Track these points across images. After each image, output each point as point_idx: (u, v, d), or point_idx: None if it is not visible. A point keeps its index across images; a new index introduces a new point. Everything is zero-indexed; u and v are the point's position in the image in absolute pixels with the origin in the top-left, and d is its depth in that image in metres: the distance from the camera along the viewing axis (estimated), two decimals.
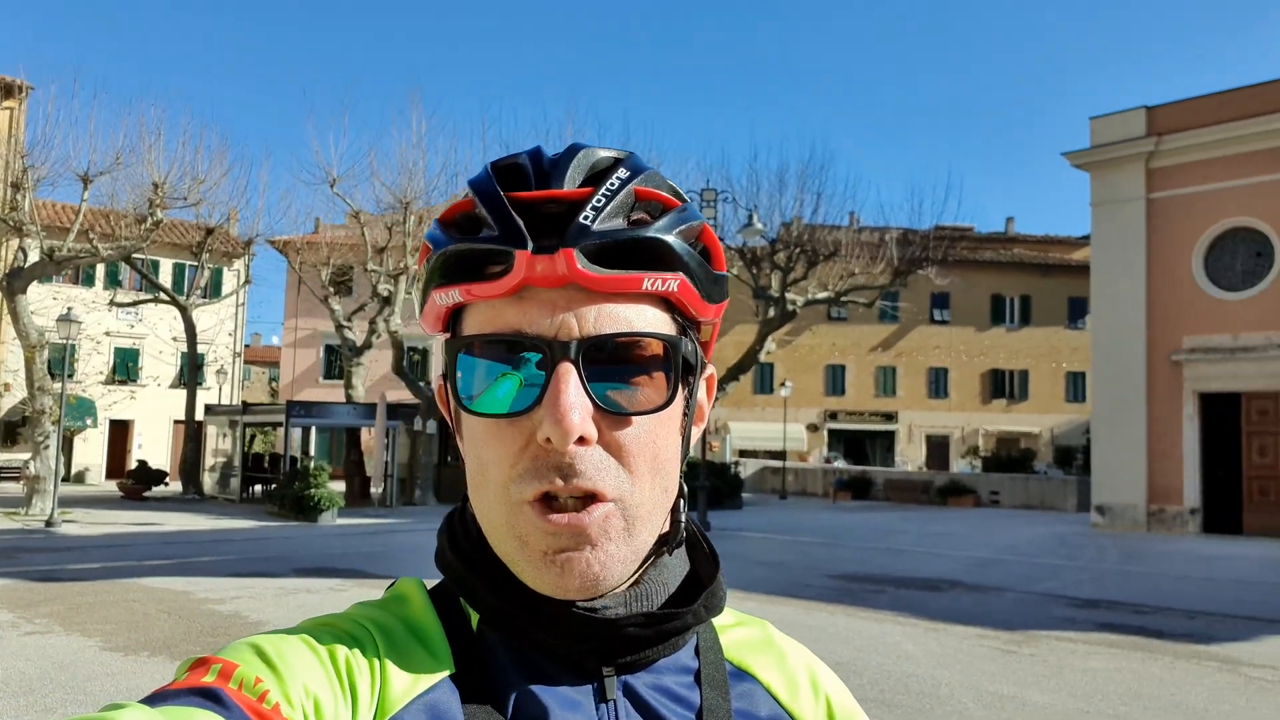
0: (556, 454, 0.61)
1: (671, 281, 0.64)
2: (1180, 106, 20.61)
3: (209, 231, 26.76)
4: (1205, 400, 19.87)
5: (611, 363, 0.63)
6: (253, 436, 30.80)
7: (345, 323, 25.54)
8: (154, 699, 0.54)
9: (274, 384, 49.57)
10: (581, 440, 0.61)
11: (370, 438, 26.43)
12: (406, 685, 0.63)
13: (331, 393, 31.61)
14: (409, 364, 25.81)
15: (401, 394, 27.10)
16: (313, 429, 28.44)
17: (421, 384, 24.42)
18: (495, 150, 25.90)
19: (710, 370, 0.73)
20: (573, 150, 0.67)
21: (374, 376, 30.52)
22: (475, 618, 0.69)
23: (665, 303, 0.66)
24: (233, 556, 13.35)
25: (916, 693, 6.48)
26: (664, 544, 0.70)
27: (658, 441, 0.65)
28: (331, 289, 26.83)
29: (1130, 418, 20.56)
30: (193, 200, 24.17)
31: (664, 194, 0.66)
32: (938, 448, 43.13)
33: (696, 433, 0.72)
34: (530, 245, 0.62)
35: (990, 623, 9.17)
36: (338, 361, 32.06)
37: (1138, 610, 10.13)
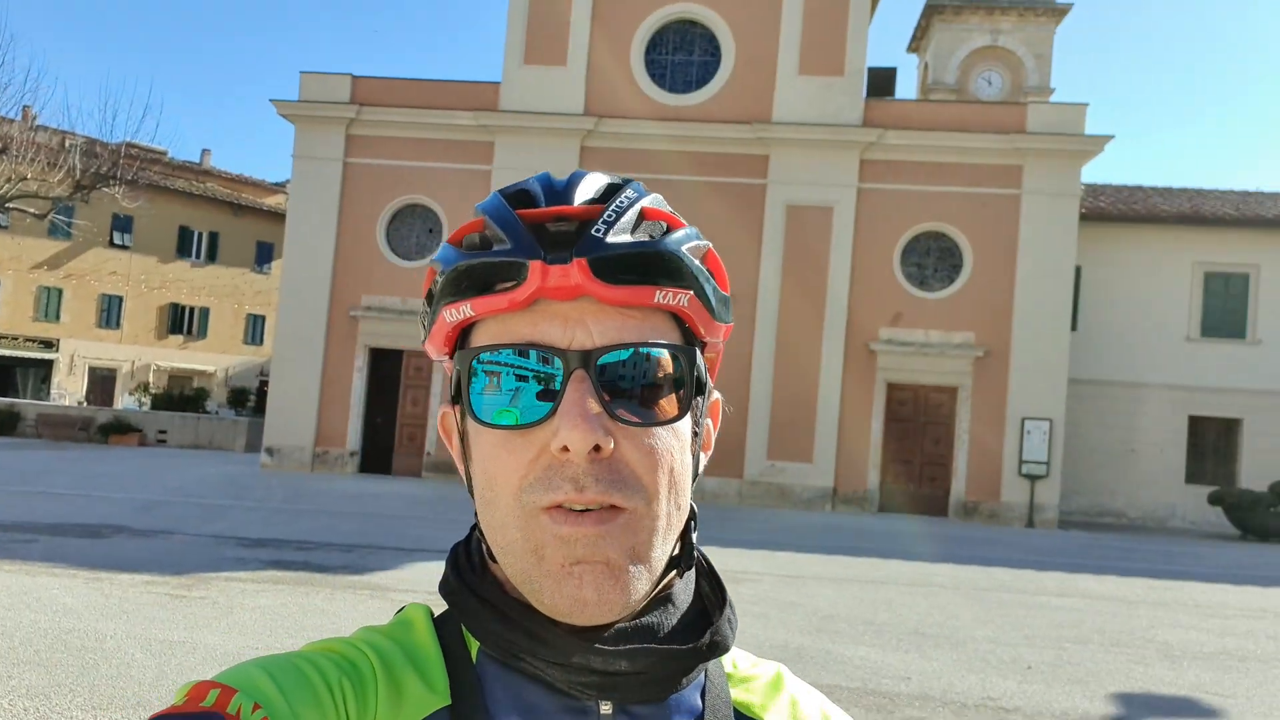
0: (571, 464, 0.61)
1: (682, 297, 0.65)
2: (382, 83, 22.34)
3: None
4: (375, 354, 22.01)
5: (625, 375, 0.63)
6: None
7: None
8: None
9: None
10: (597, 450, 0.61)
11: None
12: (400, 716, 0.63)
13: None
14: None
15: None
16: None
17: None
18: None
19: (716, 396, 0.73)
20: (580, 174, 0.69)
21: None
22: (475, 649, 0.68)
23: (675, 319, 0.67)
24: None
25: (78, 649, 5.94)
26: (674, 567, 0.69)
27: (671, 457, 0.64)
28: None
29: (308, 364, 21.69)
30: None
31: (671, 214, 0.68)
32: (103, 382, 39.77)
33: (704, 459, 0.72)
34: (544, 256, 0.62)
35: (158, 568, 8.84)
36: None
37: (302, 547, 10.78)
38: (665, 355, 0.64)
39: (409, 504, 16.32)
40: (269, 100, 22.50)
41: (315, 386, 21.67)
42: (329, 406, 21.69)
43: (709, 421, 0.72)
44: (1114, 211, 23.08)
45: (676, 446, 0.65)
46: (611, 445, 0.61)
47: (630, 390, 0.63)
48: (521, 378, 0.63)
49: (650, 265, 0.64)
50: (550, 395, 0.62)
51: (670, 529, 0.65)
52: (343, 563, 9.88)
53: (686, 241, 0.67)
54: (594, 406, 0.61)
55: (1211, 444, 23.18)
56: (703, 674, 0.69)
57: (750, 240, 21.23)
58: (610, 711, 0.64)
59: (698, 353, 0.67)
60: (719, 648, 0.67)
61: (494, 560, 0.68)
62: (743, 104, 21.47)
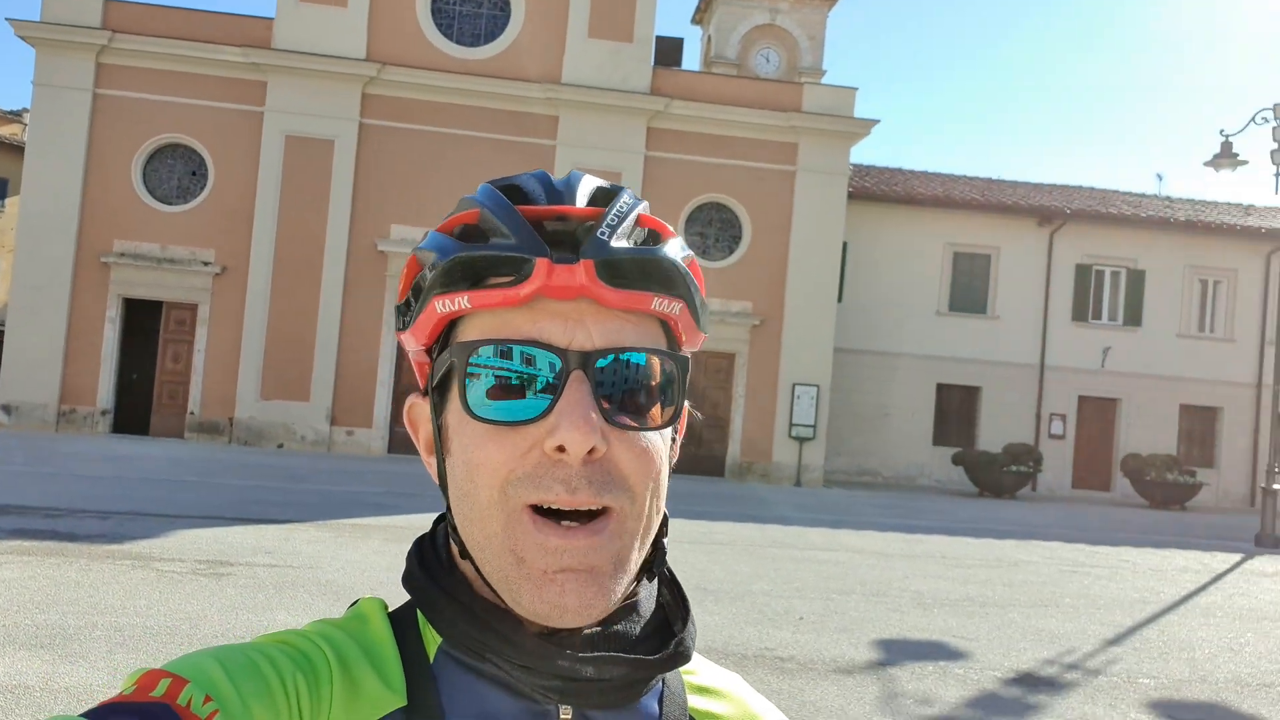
0: (564, 465, 0.61)
1: (675, 305, 0.66)
2: (141, 8, 20.37)
3: None
4: (129, 305, 20.26)
5: (620, 378, 0.63)
6: None
7: None
8: (98, 713, 0.54)
9: None
10: (590, 452, 0.60)
11: None
12: (354, 713, 0.62)
13: None
14: None
15: None
16: None
17: None
18: None
19: (686, 404, 0.71)
20: (578, 175, 0.69)
21: None
22: (434, 647, 0.67)
23: (663, 327, 0.67)
24: None
25: None
26: (645, 571, 0.69)
27: (652, 464, 0.64)
28: None
29: (50, 314, 19.69)
30: None
31: (661, 223, 0.68)
32: None
33: (671, 464, 0.71)
34: (551, 255, 0.62)
35: None
36: None
37: (50, 514, 9.83)
38: (660, 361, 0.64)
39: (171, 467, 15.22)
40: (4, 18, 20.05)
41: (60, 338, 19.72)
42: (76, 360, 19.81)
43: (679, 429, 0.72)
44: (877, 192, 24.68)
45: (660, 453, 0.65)
46: (605, 448, 0.61)
47: (624, 394, 0.63)
48: (520, 374, 0.62)
49: (649, 272, 0.64)
50: (547, 393, 0.61)
51: (649, 533, 0.66)
52: (98, 531, 9.10)
53: (680, 251, 0.67)
54: (592, 407, 0.60)
55: (955, 409, 25.46)
56: (661, 681, 0.70)
57: None
58: (570, 717, 0.65)
59: (689, 361, 0.67)
60: (682, 657, 0.68)
61: (464, 557, 0.66)
62: (532, 63, 21.24)
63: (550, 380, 0.61)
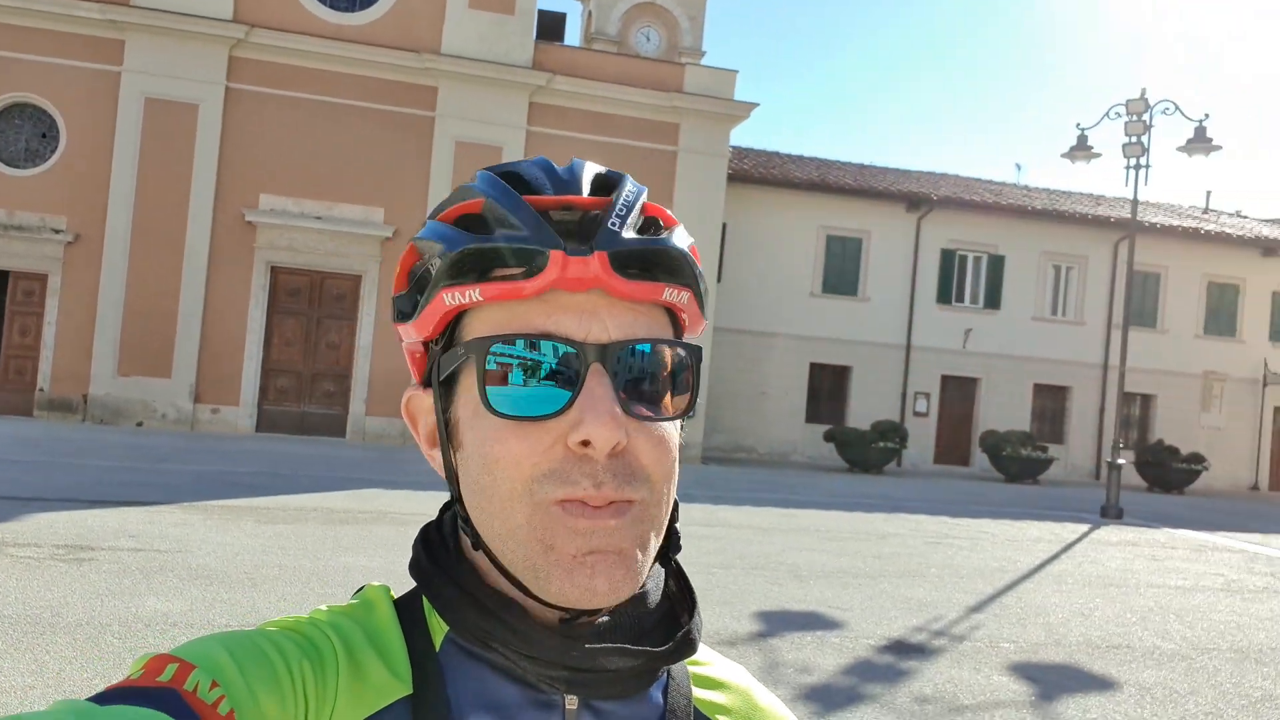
0: (590, 461, 0.60)
1: (683, 294, 0.66)
2: None
3: None
4: None
5: (638, 370, 0.62)
6: None
7: None
8: (105, 697, 0.54)
9: None
10: (615, 446, 0.60)
11: None
12: (360, 701, 0.62)
13: None
14: None
15: None
16: None
17: None
18: None
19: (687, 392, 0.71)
20: (580, 163, 0.68)
21: None
22: (439, 635, 0.67)
23: (669, 316, 0.67)
24: None
25: None
26: (660, 558, 0.69)
27: (671, 453, 0.64)
28: None
29: None
30: None
31: (666, 211, 0.67)
32: None
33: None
34: (565, 247, 0.61)
35: None
36: None
37: None
38: (672, 351, 0.64)
39: (20, 446, 14.31)
40: None
41: None
42: None
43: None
44: (755, 175, 25.12)
45: (674, 441, 0.65)
46: (626, 441, 0.61)
47: (641, 385, 0.62)
48: (538, 368, 0.61)
49: (659, 262, 0.64)
50: (567, 388, 0.61)
51: (666, 520, 0.66)
52: None
53: (685, 239, 0.67)
54: (614, 401, 0.60)
55: (827, 388, 26.26)
56: (666, 671, 0.70)
57: (419, 174, 20.71)
58: (575, 706, 0.65)
59: (701, 349, 0.67)
60: (689, 648, 0.68)
61: (477, 548, 0.66)
62: (411, 32, 20.72)
63: (569, 374, 0.61)
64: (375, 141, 20.50)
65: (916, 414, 26.25)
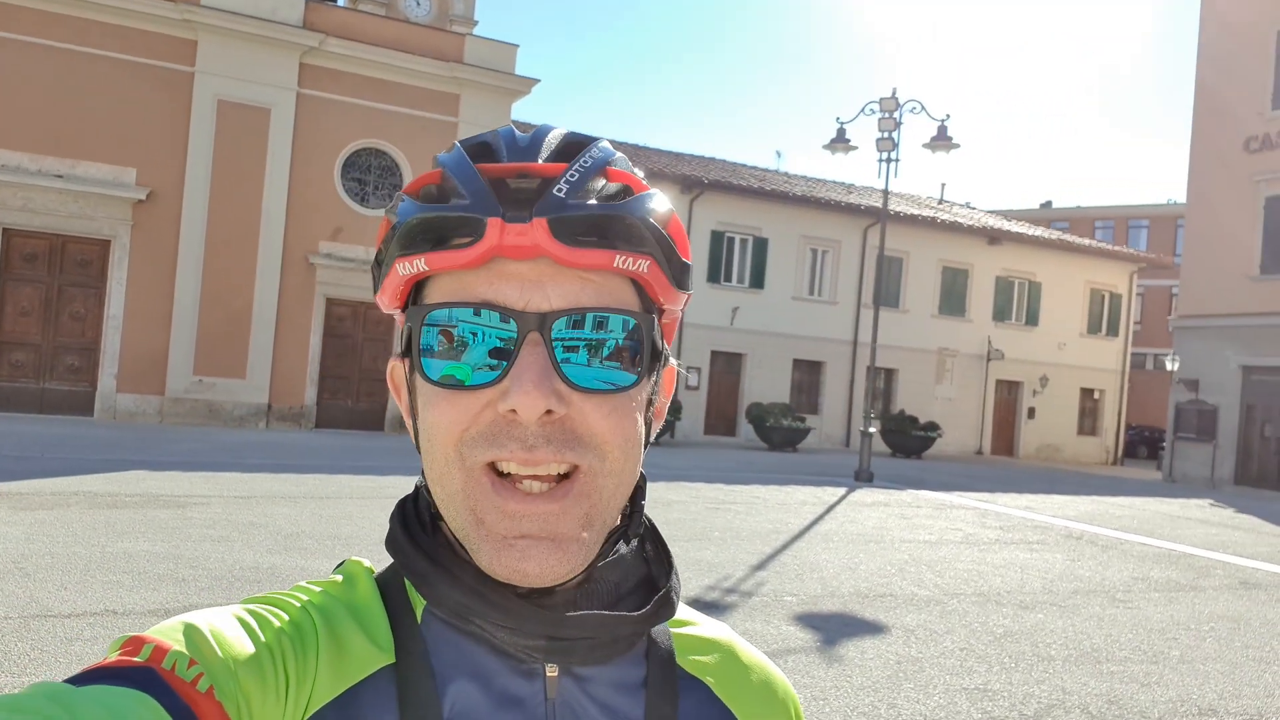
0: (518, 425, 0.59)
1: (642, 262, 0.63)
2: None
3: None
4: None
5: (580, 338, 0.61)
6: None
7: None
8: (81, 678, 0.52)
9: None
10: (548, 414, 0.59)
11: None
12: (342, 673, 0.61)
13: None
14: None
15: None
16: None
17: None
18: None
19: (672, 363, 0.71)
20: (544, 129, 0.66)
21: None
22: (420, 607, 0.66)
23: (633, 285, 0.65)
24: None
25: None
26: (620, 535, 0.68)
27: (623, 423, 0.63)
28: None
29: None
30: None
31: (634, 176, 0.66)
32: None
33: (656, 426, 0.70)
34: (503, 214, 0.60)
35: None
36: None
37: None
38: (625, 321, 0.63)
39: None
40: None
41: None
42: None
43: (662, 389, 0.70)
44: None
45: (628, 413, 0.64)
46: (564, 410, 0.60)
47: (585, 354, 0.61)
48: (474, 337, 0.61)
49: (611, 228, 0.62)
50: (503, 356, 0.60)
51: (620, 493, 0.65)
52: None
53: (649, 206, 0.64)
54: (547, 369, 0.60)
55: None
56: (646, 637, 0.70)
57: (176, 131, 19.28)
58: (556, 674, 0.65)
59: (655, 320, 0.65)
60: (666, 612, 0.68)
61: (438, 519, 0.67)
62: None
63: (506, 343, 0.60)
64: (128, 96, 18.88)
65: (689, 388, 27.39)
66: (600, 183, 0.63)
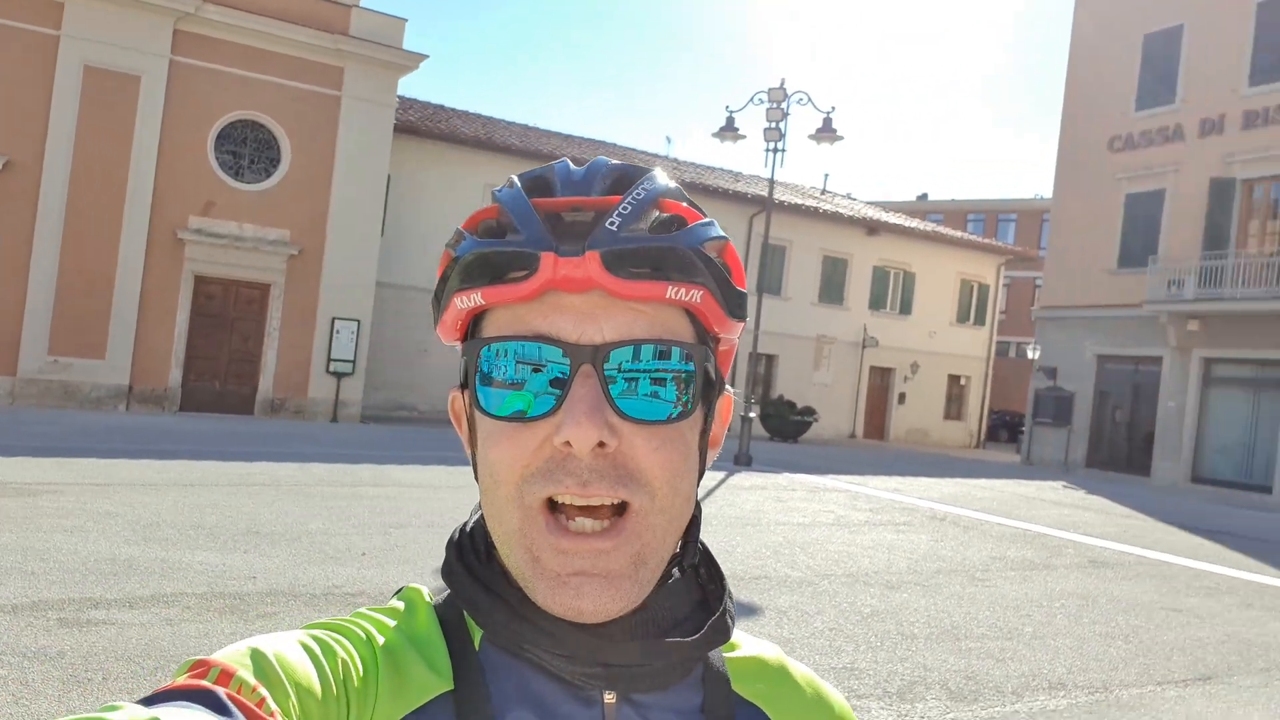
0: (574, 459, 0.60)
1: (695, 293, 0.64)
2: None
3: None
4: None
5: (634, 370, 0.62)
6: None
7: None
8: (151, 700, 0.53)
9: None
10: (601, 446, 0.60)
11: None
12: (402, 699, 0.62)
13: None
14: None
15: None
16: None
17: None
18: None
19: (728, 391, 0.72)
20: (600, 163, 0.67)
21: None
22: (478, 636, 0.67)
23: (687, 315, 0.66)
24: None
25: None
26: (674, 564, 0.69)
27: (671, 458, 0.63)
28: None
29: None
30: None
31: (689, 207, 0.67)
32: None
33: (713, 455, 0.71)
34: (557, 248, 0.61)
35: None
36: None
37: None
38: (676, 351, 0.63)
39: None
40: None
41: None
42: None
43: (718, 418, 0.71)
44: (422, 127, 24.63)
45: (682, 444, 0.64)
46: (616, 442, 0.61)
47: (640, 387, 0.62)
48: (529, 370, 0.62)
49: (664, 260, 0.63)
50: (557, 389, 0.61)
51: (675, 526, 0.65)
52: None
53: (702, 236, 0.65)
54: (600, 401, 0.60)
55: None
56: (702, 663, 0.70)
57: (38, 97, 18.14)
58: (614, 700, 0.65)
59: (710, 350, 0.66)
60: (721, 636, 0.69)
61: (497, 550, 0.68)
62: None
63: (559, 376, 0.61)
64: None
65: None
66: (654, 214, 0.65)
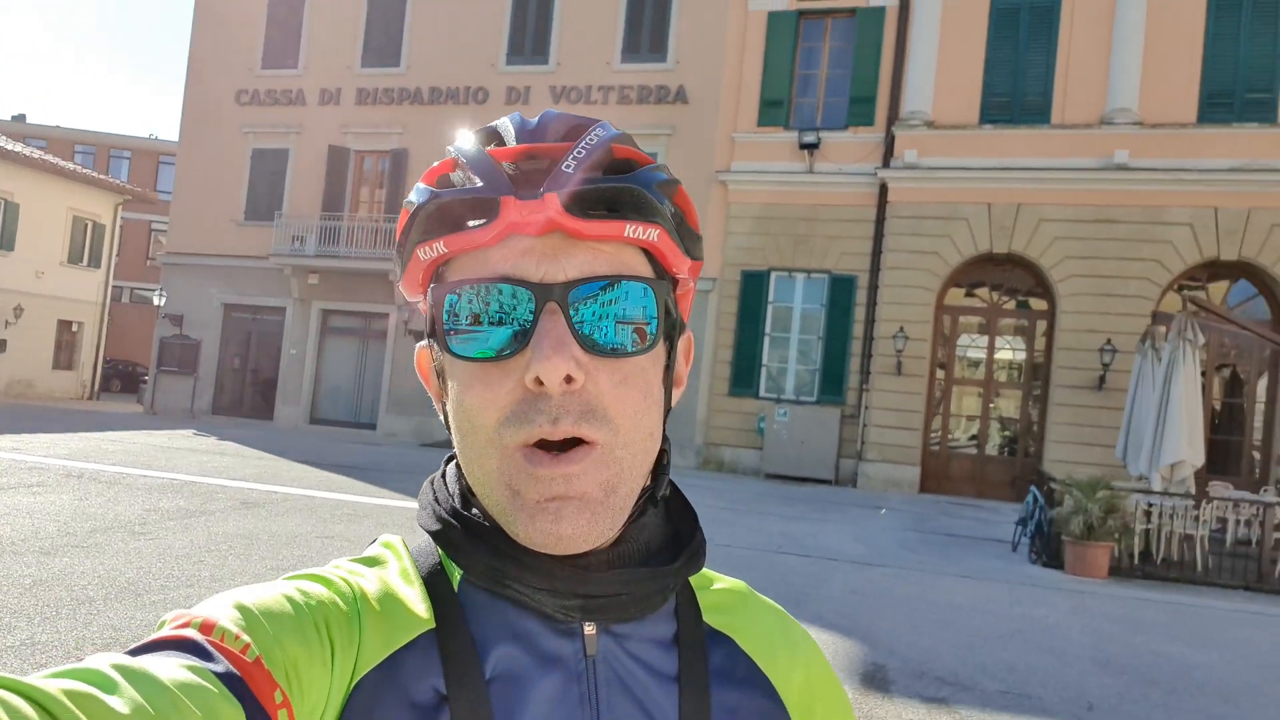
0: (545, 397, 0.61)
1: (652, 231, 0.66)
2: None
3: None
4: None
5: (597, 307, 0.63)
6: None
7: None
8: (136, 651, 0.54)
9: None
10: (569, 381, 0.61)
11: None
12: (385, 640, 0.63)
13: None
14: None
15: None
16: None
17: None
18: None
19: (688, 332, 0.73)
20: (550, 114, 0.69)
21: None
22: (457, 577, 0.68)
23: (645, 255, 0.68)
24: None
25: None
26: (647, 498, 0.70)
27: (644, 389, 0.65)
28: None
29: None
30: None
31: (639, 152, 0.68)
32: None
33: (677, 394, 0.72)
34: (516, 192, 0.62)
35: None
36: None
37: None
38: (638, 288, 0.65)
39: None
40: None
41: None
42: None
43: (681, 357, 0.73)
44: None
45: (648, 379, 0.66)
46: (583, 376, 0.62)
47: (603, 323, 0.63)
48: (495, 311, 0.63)
49: (620, 200, 0.65)
50: (524, 328, 0.62)
51: (642, 461, 0.67)
52: None
53: (655, 178, 0.67)
54: (567, 337, 0.61)
55: None
56: (674, 595, 0.72)
57: None
58: (594, 632, 0.67)
59: (670, 287, 0.68)
60: (694, 564, 0.71)
61: (474, 494, 0.68)
62: None
63: (525, 316, 0.62)
64: None
65: None
66: (607, 158, 0.66)
